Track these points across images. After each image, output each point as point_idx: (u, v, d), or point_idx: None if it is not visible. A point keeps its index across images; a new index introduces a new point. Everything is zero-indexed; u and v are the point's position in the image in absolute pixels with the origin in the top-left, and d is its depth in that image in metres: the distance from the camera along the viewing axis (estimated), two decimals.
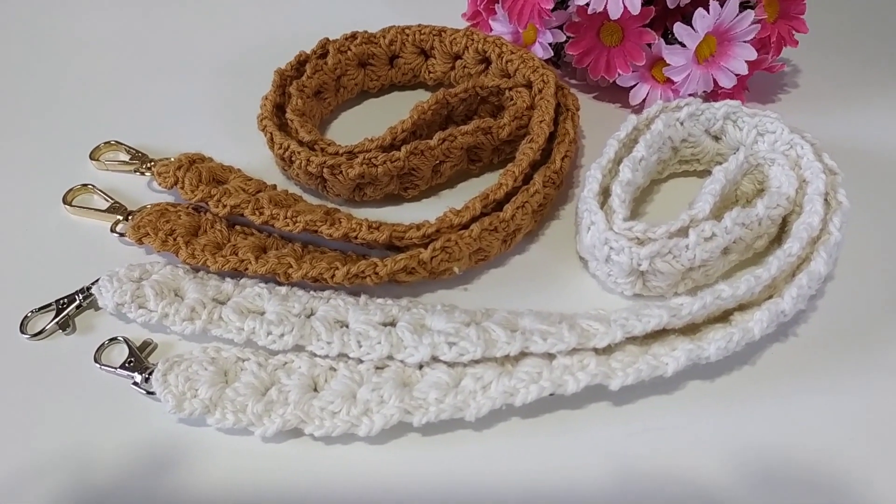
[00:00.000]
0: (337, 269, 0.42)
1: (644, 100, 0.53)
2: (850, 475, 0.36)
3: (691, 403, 0.39)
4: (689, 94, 0.51)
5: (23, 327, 0.43)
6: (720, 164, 0.48)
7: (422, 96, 0.57)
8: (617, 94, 0.56)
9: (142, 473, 0.37)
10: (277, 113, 0.51)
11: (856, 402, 0.39)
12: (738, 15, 0.48)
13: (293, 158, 0.47)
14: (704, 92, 0.52)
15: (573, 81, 0.58)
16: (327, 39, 0.54)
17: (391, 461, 0.38)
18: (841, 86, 0.57)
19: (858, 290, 0.44)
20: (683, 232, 0.41)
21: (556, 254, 0.47)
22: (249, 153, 0.52)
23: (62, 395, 0.41)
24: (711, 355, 0.37)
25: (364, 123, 0.55)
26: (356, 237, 0.43)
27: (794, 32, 0.53)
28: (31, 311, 0.44)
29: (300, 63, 0.53)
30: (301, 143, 0.48)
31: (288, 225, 0.44)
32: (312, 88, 0.52)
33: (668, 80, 0.52)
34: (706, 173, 0.50)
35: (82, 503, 0.36)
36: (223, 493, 0.37)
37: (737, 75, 0.50)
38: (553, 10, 0.51)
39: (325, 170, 0.46)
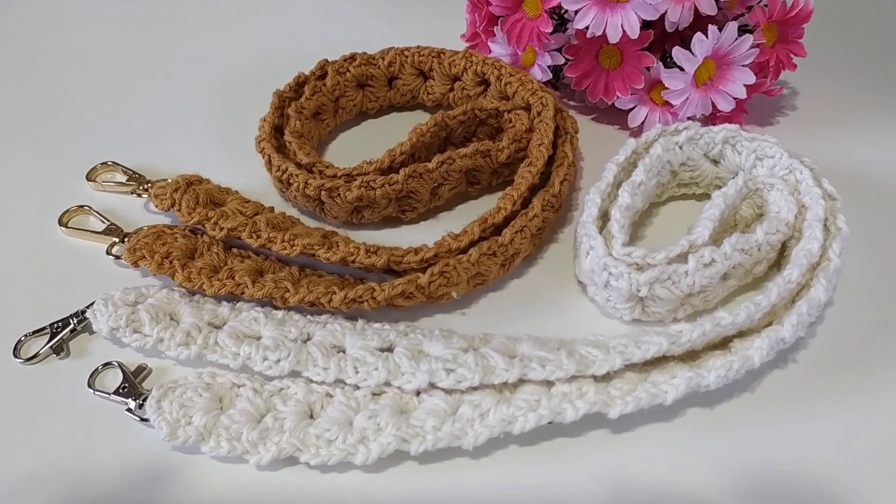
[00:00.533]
0: (334, 293, 0.41)
1: (643, 122, 0.53)
2: (852, 500, 0.36)
3: (690, 431, 0.39)
4: (688, 118, 0.51)
5: (16, 351, 0.43)
6: (719, 187, 0.49)
7: (420, 117, 0.57)
8: (616, 116, 0.56)
9: (135, 502, 0.37)
10: (275, 134, 0.50)
11: (857, 428, 0.39)
12: (736, 39, 0.48)
13: (291, 181, 0.47)
14: (703, 115, 0.52)
15: (572, 103, 0.58)
16: (326, 61, 0.54)
17: (388, 489, 0.37)
18: (839, 108, 0.57)
19: (857, 315, 0.43)
20: (683, 258, 0.41)
21: (554, 278, 0.46)
22: (247, 174, 0.52)
23: (56, 421, 0.40)
24: (711, 383, 0.37)
25: (362, 145, 0.55)
26: (354, 261, 0.43)
27: (792, 56, 0.53)
28: (25, 335, 0.43)
29: (299, 84, 0.53)
30: (299, 165, 0.48)
31: (285, 248, 0.44)
32: (311, 110, 0.52)
33: (667, 103, 0.52)
34: (705, 196, 0.50)
35: None
36: None
37: (735, 99, 0.50)
38: (552, 32, 0.51)
39: (322, 192, 0.46)
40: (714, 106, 0.51)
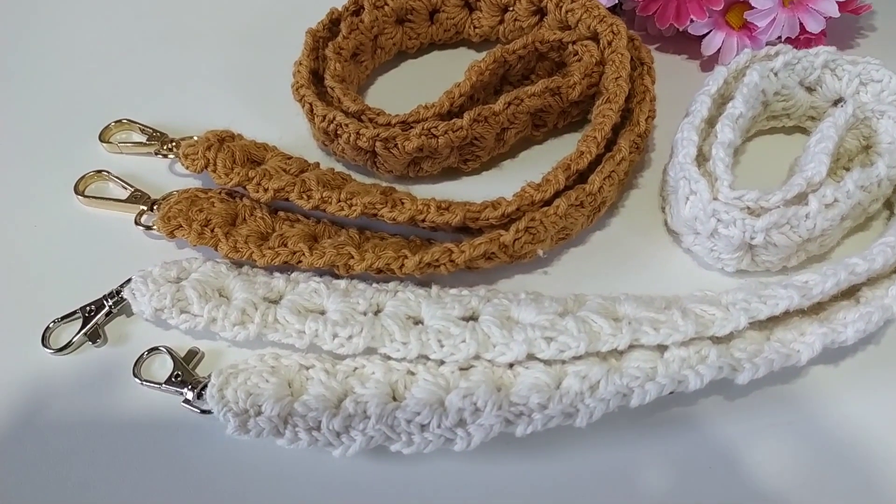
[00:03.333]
0: (406, 258, 0.36)
1: (719, 49, 0.47)
2: None
3: (818, 393, 0.35)
4: (767, 43, 0.46)
5: (44, 340, 0.38)
6: (812, 118, 0.44)
7: (465, 55, 0.51)
8: (683, 45, 0.51)
9: None
10: (313, 80, 0.44)
11: None
12: None
13: (339, 132, 0.41)
14: (786, 38, 0.46)
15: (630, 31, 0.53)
16: None
17: (487, 476, 0.33)
18: None
19: None
20: (799, 199, 0.36)
21: (640, 227, 0.42)
22: (279, 128, 0.46)
23: (100, 417, 0.35)
24: (849, 339, 0.33)
25: (404, 89, 0.49)
26: (424, 220, 0.38)
27: None
28: (53, 322, 0.38)
29: (333, 22, 0.47)
30: (347, 113, 0.42)
31: (343, 209, 0.38)
32: (350, 50, 0.46)
33: (746, 27, 0.46)
34: (795, 129, 0.45)
35: None
36: None
37: (825, 18, 0.45)
38: None
39: (377, 143, 0.40)
40: (802, 27, 0.46)
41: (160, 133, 0.46)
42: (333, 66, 0.44)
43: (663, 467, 0.33)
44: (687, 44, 0.50)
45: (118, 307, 0.38)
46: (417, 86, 0.46)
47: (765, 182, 0.38)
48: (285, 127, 0.46)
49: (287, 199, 0.40)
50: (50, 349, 0.37)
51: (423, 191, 0.43)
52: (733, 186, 0.37)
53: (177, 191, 0.42)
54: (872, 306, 0.34)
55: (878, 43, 0.52)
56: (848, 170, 0.40)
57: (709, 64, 0.49)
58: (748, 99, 0.40)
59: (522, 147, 0.45)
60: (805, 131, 0.45)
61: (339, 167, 0.44)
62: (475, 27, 0.50)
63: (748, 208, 0.36)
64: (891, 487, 0.32)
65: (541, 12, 0.48)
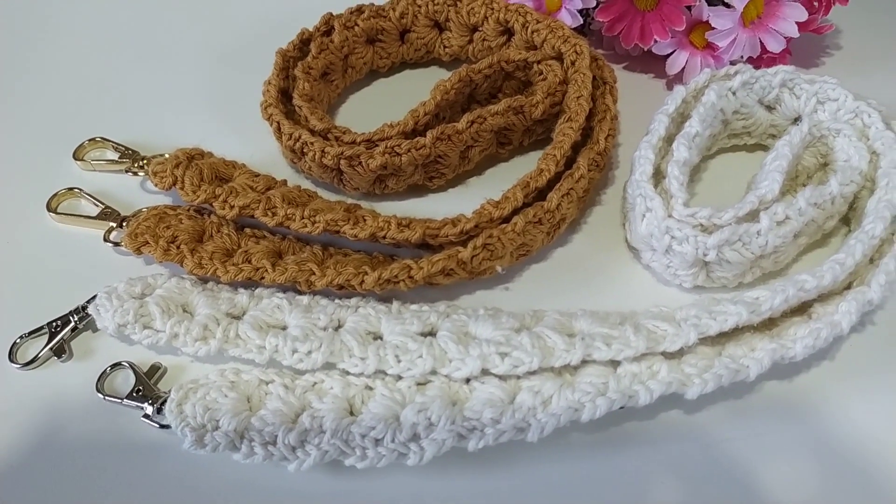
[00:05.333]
0: (366, 274, 0.37)
1: (682, 68, 0.48)
2: None
3: (770, 407, 0.35)
4: (730, 61, 0.47)
5: (12, 355, 0.38)
6: (773, 136, 0.45)
7: (436, 74, 0.52)
8: (649, 64, 0.51)
9: None
10: (282, 99, 0.45)
11: None
12: None
13: (305, 150, 0.42)
14: (748, 58, 0.47)
15: (599, 51, 0.53)
16: (331, 14, 0.49)
17: (443, 490, 0.33)
18: (887, 43, 0.53)
19: None
20: (752, 216, 0.37)
21: (601, 244, 0.42)
22: (250, 146, 0.47)
23: (63, 431, 0.36)
24: (798, 354, 0.34)
25: (375, 107, 0.50)
26: (384, 237, 0.38)
27: None
28: (21, 337, 0.39)
29: (303, 42, 0.48)
30: (313, 132, 0.43)
31: (306, 226, 0.39)
32: (319, 70, 0.47)
33: (709, 46, 0.47)
34: (757, 147, 0.46)
35: None
36: None
37: (785, 38, 0.46)
38: None
39: (342, 161, 0.41)
40: (763, 47, 0.46)
41: (132, 151, 0.46)
42: (302, 86, 0.45)
43: (616, 481, 0.34)
44: (654, 63, 0.51)
45: (84, 323, 0.39)
46: (389, 104, 0.47)
47: (726, 199, 0.39)
48: (258, 145, 0.47)
49: (252, 216, 0.40)
50: (17, 364, 0.38)
51: (389, 207, 0.44)
52: (688, 204, 0.38)
53: (146, 208, 0.43)
54: (822, 322, 0.34)
55: (843, 61, 0.53)
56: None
57: (674, 83, 0.50)
58: (705, 118, 0.41)
59: (488, 164, 0.46)
60: (767, 149, 0.45)
61: (307, 184, 0.45)
62: (445, 47, 0.51)
63: (701, 225, 0.37)
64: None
65: (508, 32, 0.49)
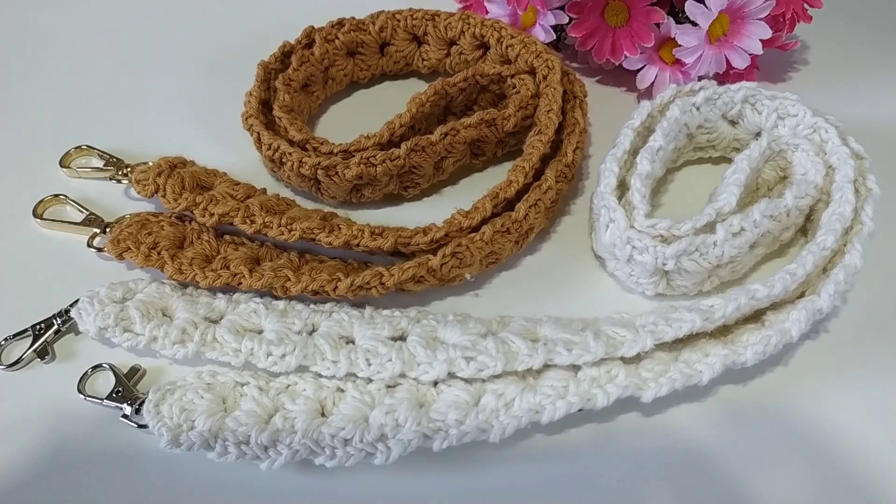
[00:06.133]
0: (339, 280, 0.38)
1: (652, 83, 0.50)
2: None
3: (726, 410, 0.37)
4: (699, 77, 0.49)
5: None
6: (737, 150, 0.46)
7: (415, 86, 0.54)
8: (622, 78, 0.53)
9: None
10: (263, 110, 0.47)
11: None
12: None
13: (284, 160, 0.43)
14: (715, 73, 0.49)
15: (574, 65, 0.55)
16: (312, 28, 0.50)
17: (409, 489, 0.35)
18: (853, 60, 0.55)
19: (889, 280, 0.42)
20: (710, 227, 0.39)
21: (569, 252, 0.44)
22: (234, 155, 0.48)
23: (44, 430, 0.37)
24: (748, 360, 0.35)
25: (355, 117, 0.52)
26: (358, 245, 0.40)
27: (807, 7, 0.50)
28: (5, 339, 0.40)
29: (285, 55, 0.49)
30: (291, 142, 0.44)
31: (283, 234, 0.40)
32: (299, 82, 0.48)
33: (678, 62, 0.49)
34: (722, 160, 0.48)
35: None
36: None
37: (750, 55, 0.48)
38: None
39: (319, 171, 0.43)
40: (728, 63, 0.48)
41: (117, 159, 0.48)
42: (282, 97, 0.46)
43: (575, 481, 0.35)
44: (625, 77, 0.52)
45: (66, 326, 0.40)
46: (368, 114, 0.48)
47: (691, 209, 0.40)
48: (239, 154, 0.49)
49: (231, 224, 0.42)
50: (1, 365, 0.39)
51: (365, 216, 0.45)
52: (650, 215, 0.39)
53: (129, 214, 0.44)
54: (773, 330, 0.36)
55: (809, 76, 0.54)
56: None
57: (645, 96, 0.51)
58: (668, 133, 0.42)
59: (463, 175, 0.48)
60: (731, 161, 0.47)
61: (286, 193, 0.47)
62: (423, 59, 0.52)
63: (661, 236, 0.38)
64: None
65: (484, 47, 0.51)
